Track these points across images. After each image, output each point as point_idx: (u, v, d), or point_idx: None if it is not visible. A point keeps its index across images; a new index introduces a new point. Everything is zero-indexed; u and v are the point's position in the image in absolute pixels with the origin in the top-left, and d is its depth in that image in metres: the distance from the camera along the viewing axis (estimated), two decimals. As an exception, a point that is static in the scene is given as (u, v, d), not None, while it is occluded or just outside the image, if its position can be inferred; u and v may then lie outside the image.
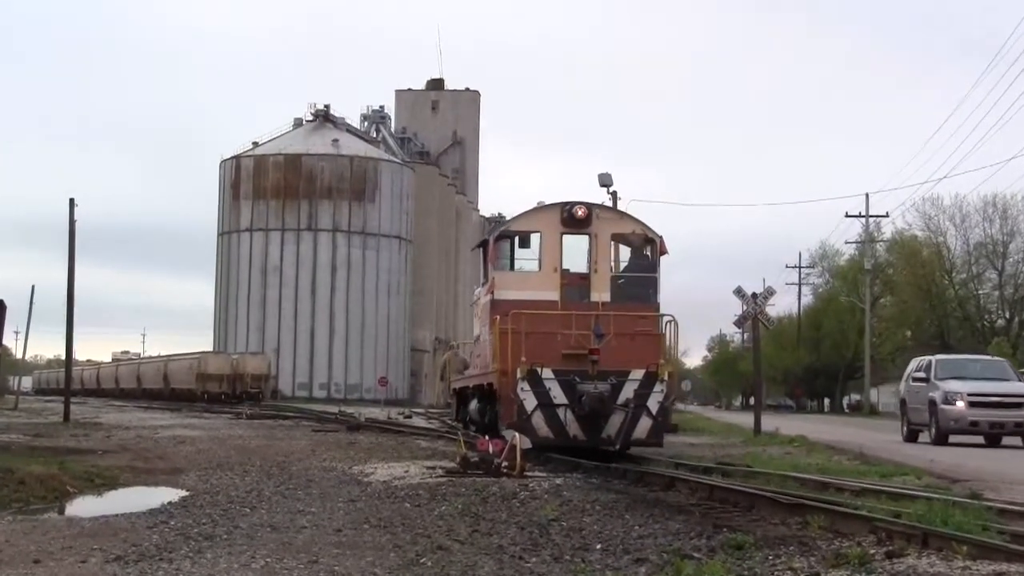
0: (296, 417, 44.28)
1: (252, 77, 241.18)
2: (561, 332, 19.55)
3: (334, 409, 51.76)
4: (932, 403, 27.90)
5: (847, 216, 75.47)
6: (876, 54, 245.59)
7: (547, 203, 21.20)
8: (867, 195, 74.12)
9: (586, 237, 20.55)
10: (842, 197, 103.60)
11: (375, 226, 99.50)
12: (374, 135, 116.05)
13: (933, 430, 27.82)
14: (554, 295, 20.22)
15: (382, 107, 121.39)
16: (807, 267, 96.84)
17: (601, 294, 20.32)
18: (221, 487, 15.72)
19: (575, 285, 20.42)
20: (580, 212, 20.32)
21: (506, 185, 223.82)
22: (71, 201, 39.52)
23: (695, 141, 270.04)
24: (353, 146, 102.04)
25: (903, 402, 30.68)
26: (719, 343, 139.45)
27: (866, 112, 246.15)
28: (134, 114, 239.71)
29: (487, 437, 18.75)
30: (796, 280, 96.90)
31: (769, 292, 33.99)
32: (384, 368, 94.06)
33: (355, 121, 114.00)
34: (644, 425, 19.18)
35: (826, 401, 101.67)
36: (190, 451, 23.25)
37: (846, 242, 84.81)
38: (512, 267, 21.72)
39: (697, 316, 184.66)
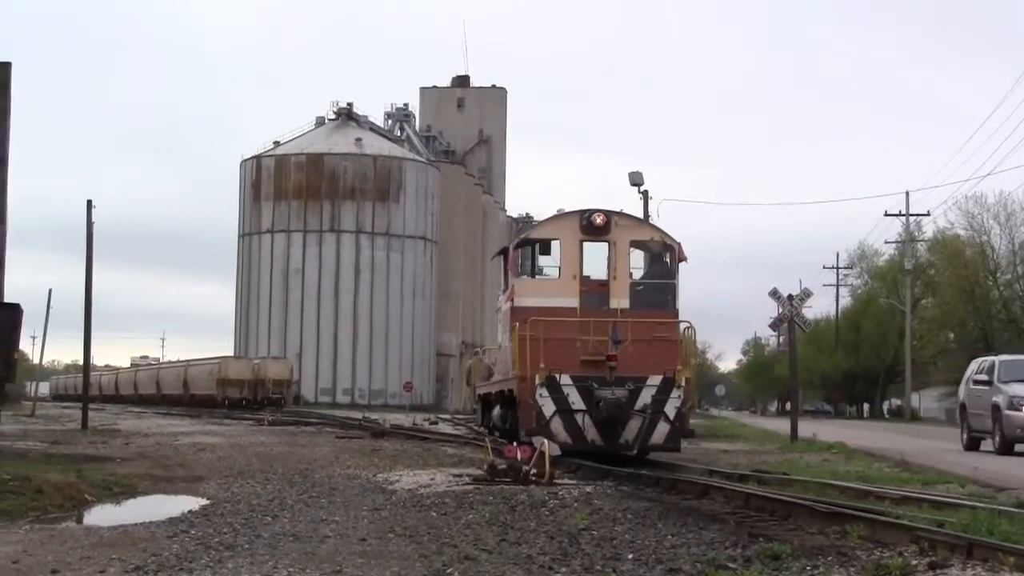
0: (319, 423, 44.37)
1: (273, 75, 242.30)
2: (580, 338, 20.35)
3: (358, 415, 51.86)
4: (996, 408, 26.38)
5: (887, 215, 75.14)
6: (918, 47, 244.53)
7: (567, 210, 22.00)
8: (907, 193, 73.81)
9: (605, 244, 21.42)
10: (881, 195, 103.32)
11: (399, 227, 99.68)
12: (398, 134, 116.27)
13: (997, 438, 26.30)
14: (573, 302, 21.08)
15: (406, 105, 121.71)
16: (845, 268, 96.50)
17: (620, 301, 21.18)
18: (242, 495, 15.76)
19: (594, 292, 21.25)
20: (599, 220, 21.25)
21: (534, 185, 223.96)
22: (88, 203, 39.71)
23: (729, 139, 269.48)
24: (377, 145, 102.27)
25: (962, 407, 29.16)
26: (754, 346, 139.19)
27: (906, 107, 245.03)
28: (152, 113, 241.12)
29: (515, 444, 18.81)
30: (834, 281, 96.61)
31: (806, 294, 33.86)
32: (409, 373, 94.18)
33: (379, 119, 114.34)
34: (662, 431, 20.03)
35: (865, 406, 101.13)
36: (210, 458, 23.32)
37: (886, 242, 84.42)
38: (533, 274, 22.58)
39: (731, 319, 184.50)
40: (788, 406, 55.45)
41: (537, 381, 19.80)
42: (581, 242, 21.34)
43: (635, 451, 19.95)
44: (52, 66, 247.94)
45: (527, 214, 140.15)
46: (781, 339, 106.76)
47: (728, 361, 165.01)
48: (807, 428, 35.99)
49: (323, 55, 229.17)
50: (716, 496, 14.43)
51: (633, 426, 19.89)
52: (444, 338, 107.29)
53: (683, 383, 20.13)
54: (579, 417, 19.82)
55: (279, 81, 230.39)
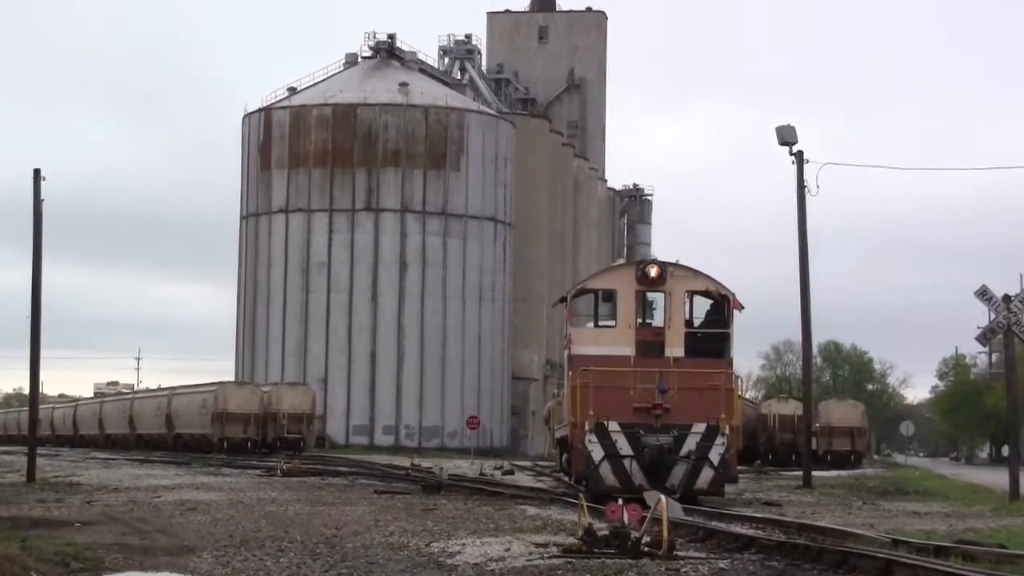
0: (352, 473, 44.66)
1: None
2: (633, 387, 28.38)
3: (405, 462, 52.00)
4: None
5: None
6: None
7: (622, 262, 26.27)
8: None
9: (661, 294, 29.71)
10: None
11: (460, 204, 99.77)
12: (458, 76, 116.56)
13: None
14: (628, 350, 29.18)
15: (468, 37, 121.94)
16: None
17: (674, 349, 29.28)
18: (247, 572, 15.85)
19: (651, 341, 29.31)
20: (653, 272, 29.41)
21: (644, 145, 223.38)
22: (36, 173, 40.17)
23: (920, 80, 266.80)
24: (429, 92, 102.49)
25: None
26: (955, 368, 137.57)
27: None
28: (121, 54, 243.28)
29: (620, 502, 18.87)
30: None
31: (1029, 293, 33.48)
32: (474, 405, 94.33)
33: (431, 58, 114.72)
34: (706, 476, 28.41)
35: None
36: (203, 522, 23.54)
37: None
38: (596, 323, 31.20)
39: (922, 328, 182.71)
40: (1005, 451, 54.76)
41: (587, 428, 28.10)
42: (637, 292, 29.65)
43: (679, 495, 26.79)
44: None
45: (635, 185, 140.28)
46: (994, 357, 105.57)
47: (919, 388, 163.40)
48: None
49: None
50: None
51: (678, 471, 28.15)
52: (523, 357, 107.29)
53: (727, 431, 28.28)
54: (626, 462, 28.13)
55: (296, 7, 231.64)
